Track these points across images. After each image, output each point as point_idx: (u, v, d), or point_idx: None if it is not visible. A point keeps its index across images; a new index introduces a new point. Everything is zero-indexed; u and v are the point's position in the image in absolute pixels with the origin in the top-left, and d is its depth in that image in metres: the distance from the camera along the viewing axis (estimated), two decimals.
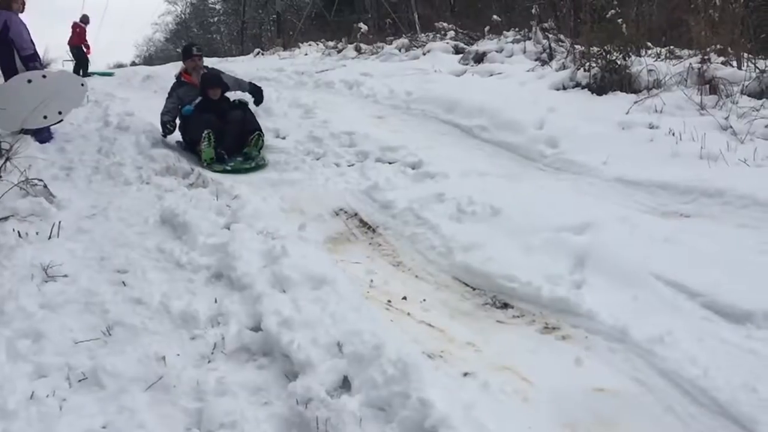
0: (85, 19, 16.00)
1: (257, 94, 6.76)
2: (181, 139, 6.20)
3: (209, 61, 15.16)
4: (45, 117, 5.52)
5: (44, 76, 5.64)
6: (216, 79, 6.11)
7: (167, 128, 6.08)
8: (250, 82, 6.89)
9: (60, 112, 5.69)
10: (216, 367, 2.56)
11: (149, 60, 43.63)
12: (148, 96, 10.37)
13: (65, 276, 3.25)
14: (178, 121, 6.13)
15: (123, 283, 3.20)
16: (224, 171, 5.43)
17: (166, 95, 6.41)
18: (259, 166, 5.58)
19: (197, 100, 5.98)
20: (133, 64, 37.41)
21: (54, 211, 4.13)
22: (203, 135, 5.48)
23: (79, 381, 2.45)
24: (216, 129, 5.64)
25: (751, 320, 2.69)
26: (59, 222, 3.90)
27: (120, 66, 26.87)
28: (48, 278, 3.21)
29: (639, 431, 2.23)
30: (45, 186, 4.37)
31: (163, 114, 6.18)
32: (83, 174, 5.20)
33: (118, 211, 4.25)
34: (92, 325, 2.83)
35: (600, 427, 2.25)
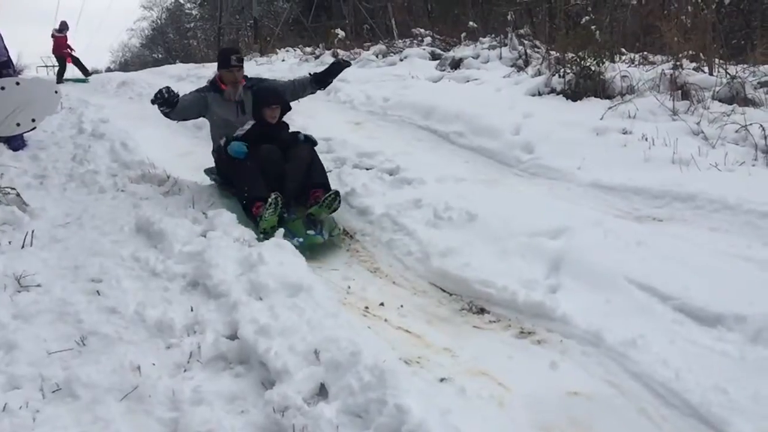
0: (63, 27, 15.92)
1: (330, 73, 5.00)
2: (215, 173, 4.92)
3: (185, 67, 15.16)
4: (18, 124, 5.46)
5: (18, 83, 5.58)
6: (275, 94, 4.59)
7: (163, 96, 4.47)
8: (310, 73, 5.11)
9: (33, 120, 5.63)
10: (192, 376, 2.54)
11: (125, 66, 43.41)
12: (123, 102, 10.34)
13: (38, 286, 3.21)
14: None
15: (97, 292, 3.16)
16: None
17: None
18: (333, 237, 4.18)
19: (247, 126, 4.47)
20: (109, 70, 37.14)
21: (27, 219, 4.08)
22: (270, 201, 3.99)
23: (53, 392, 2.42)
24: (275, 168, 4.31)
25: (722, 323, 2.74)
26: (32, 231, 3.85)
27: (95, 72, 26.62)
28: (21, 288, 3.17)
29: None
30: (18, 194, 4.32)
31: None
32: (57, 182, 5.15)
33: (92, 219, 4.20)
34: (66, 335, 2.79)
35: (574, 431, 2.28)
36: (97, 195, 4.79)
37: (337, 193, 4.18)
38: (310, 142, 4.54)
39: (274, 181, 4.25)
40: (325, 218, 4.21)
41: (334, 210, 4.22)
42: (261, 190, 4.18)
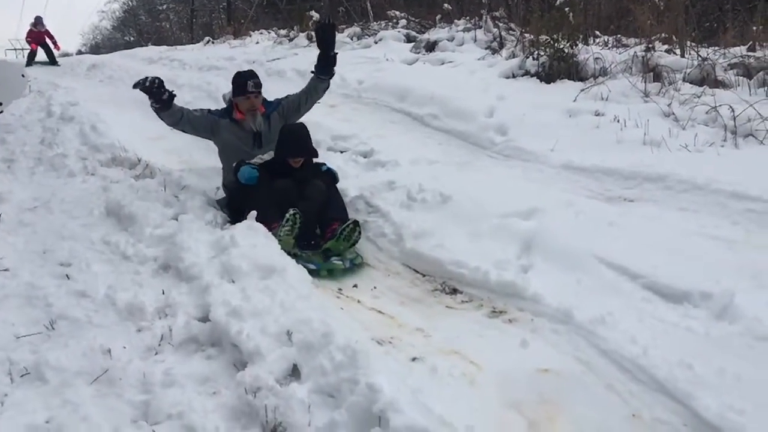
0: (38, 21, 15.71)
1: (323, 48, 4.67)
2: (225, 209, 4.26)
3: (157, 50, 14.95)
4: None
5: None
6: (304, 143, 4.10)
7: (145, 84, 4.04)
8: (312, 71, 4.72)
9: (0, 103, 5.53)
10: (163, 358, 2.52)
11: (96, 48, 42.61)
12: (93, 85, 10.16)
13: (6, 270, 3.17)
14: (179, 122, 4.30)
15: (66, 276, 3.12)
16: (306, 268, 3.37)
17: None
18: (356, 266, 3.73)
19: (267, 156, 4.13)
20: (79, 52, 36.47)
21: None
22: (287, 216, 3.62)
23: (21, 376, 2.39)
24: (288, 203, 3.78)
25: (689, 300, 2.79)
26: None
27: (65, 55, 26.14)
28: None
29: (581, 409, 2.29)
30: None
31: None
32: (25, 166, 5.08)
33: (61, 203, 4.14)
34: (35, 319, 2.76)
35: (544, 407, 2.31)
36: (66, 179, 4.72)
37: (356, 223, 3.78)
38: (331, 176, 4.15)
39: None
40: (345, 250, 3.76)
41: (354, 243, 3.78)
42: (273, 214, 3.73)
